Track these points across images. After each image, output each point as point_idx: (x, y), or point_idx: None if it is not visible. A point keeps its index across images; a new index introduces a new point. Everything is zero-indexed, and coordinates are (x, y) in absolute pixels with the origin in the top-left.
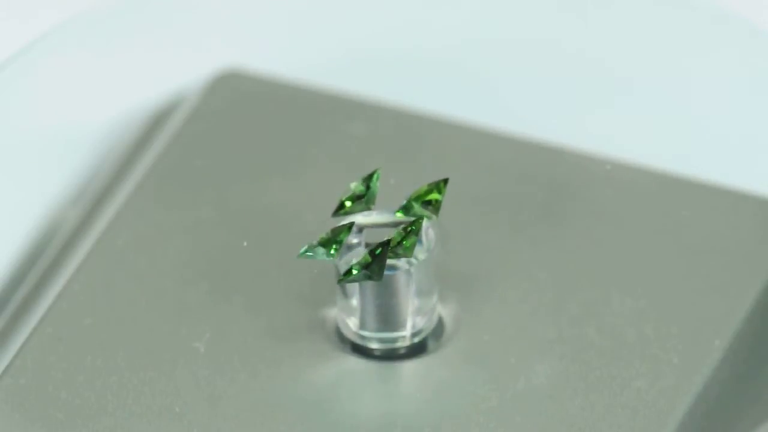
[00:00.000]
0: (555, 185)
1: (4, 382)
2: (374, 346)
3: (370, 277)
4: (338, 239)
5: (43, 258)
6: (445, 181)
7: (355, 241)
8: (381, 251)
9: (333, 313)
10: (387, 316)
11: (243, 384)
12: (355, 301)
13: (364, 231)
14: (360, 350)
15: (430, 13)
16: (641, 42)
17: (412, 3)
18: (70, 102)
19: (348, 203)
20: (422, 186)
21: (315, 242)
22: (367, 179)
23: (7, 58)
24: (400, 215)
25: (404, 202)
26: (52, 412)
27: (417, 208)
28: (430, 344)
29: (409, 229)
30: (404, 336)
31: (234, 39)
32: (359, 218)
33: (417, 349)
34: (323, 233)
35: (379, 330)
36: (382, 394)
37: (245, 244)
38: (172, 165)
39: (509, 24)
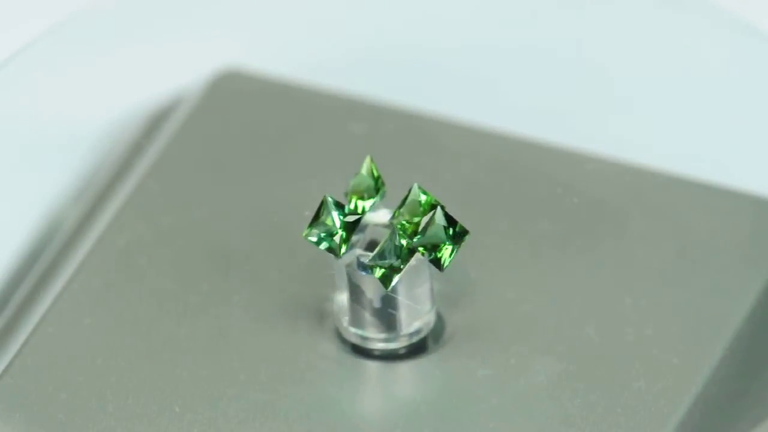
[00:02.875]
0: (555, 185)
1: (4, 382)
2: (403, 343)
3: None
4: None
5: (43, 258)
6: (370, 158)
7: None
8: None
9: (333, 313)
10: (417, 304)
11: (243, 384)
12: (383, 304)
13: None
14: (360, 350)
15: (431, 13)
16: (640, 42)
17: (412, 3)
18: (70, 102)
19: (343, 248)
20: (353, 180)
21: (385, 263)
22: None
23: (7, 57)
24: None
25: (350, 201)
26: (52, 412)
27: (369, 192)
28: (430, 344)
29: (426, 205)
30: (430, 319)
31: (234, 39)
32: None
33: (417, 349)
34: (386, 250)
35: (410, 323)
36: (382, 394)
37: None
38: (172, 165)
39: (509, 24)
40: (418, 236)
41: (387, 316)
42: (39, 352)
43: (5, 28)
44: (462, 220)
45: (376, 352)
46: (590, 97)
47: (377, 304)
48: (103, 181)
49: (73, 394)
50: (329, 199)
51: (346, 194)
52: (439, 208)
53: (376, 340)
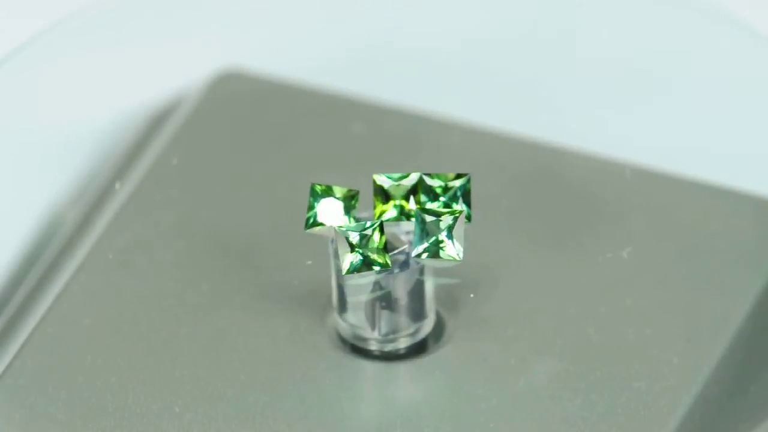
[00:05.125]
0: (555, 185)
1: (4, 382)
2: (402, 344)
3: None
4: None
5: (43, 258)
6: (312, 185)
7: None
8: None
9: (333, 313)
10: (421, 302)
11: (243, 384)
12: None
13: None
14: (360, 350)
15: (430, 13)
16: (639, 41)
17: (411, 3)
18: (70, 102)
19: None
20: (316, 211)
21: (435, 239)
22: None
23: (6, 56)
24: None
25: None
26: (52, 412)
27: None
28: (430, 344)
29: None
30: (430, 319)
31: (234, 39)
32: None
33: (417, 349)
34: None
35: (413, 321)
36: (382, 394)
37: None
38: (172, 165)
39: (509, 23)
40: (425, 200)
41: (415, 306)
42: (39, 352)
43: (5, 27)
44: None
45: (376, 352)
46: (590, 96)
47: (405, 300)
48: (103, 181)
49: (73, 394)
50: (342, 228)
51: (311, 226)
52: (419, 174)
53: (383, 340)
